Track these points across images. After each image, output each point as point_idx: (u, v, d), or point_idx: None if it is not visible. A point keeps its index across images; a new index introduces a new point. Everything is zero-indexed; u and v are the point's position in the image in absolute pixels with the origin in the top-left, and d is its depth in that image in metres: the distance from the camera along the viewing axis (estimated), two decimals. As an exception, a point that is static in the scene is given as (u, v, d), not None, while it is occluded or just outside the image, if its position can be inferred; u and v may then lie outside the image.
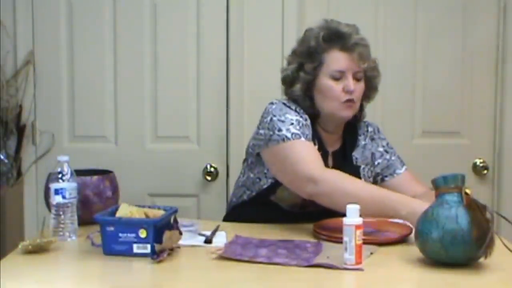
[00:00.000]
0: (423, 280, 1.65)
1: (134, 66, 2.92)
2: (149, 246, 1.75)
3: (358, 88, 2.13)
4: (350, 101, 2.11)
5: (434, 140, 2.95)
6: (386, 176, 2.26)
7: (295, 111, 2.12)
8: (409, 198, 1.97)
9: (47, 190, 2.06)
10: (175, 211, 1.90)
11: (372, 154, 2.27)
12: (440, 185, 1.70)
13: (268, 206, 2.15)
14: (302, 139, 2.05)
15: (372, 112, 2.91)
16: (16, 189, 2.88)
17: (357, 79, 2.12)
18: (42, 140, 2.93)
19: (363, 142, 2.27)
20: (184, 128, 2.93)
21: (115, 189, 2.18)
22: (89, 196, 2.10)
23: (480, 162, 2.94)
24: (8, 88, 2.85)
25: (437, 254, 1.65)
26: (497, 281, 1.61)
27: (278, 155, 2.06)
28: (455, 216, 1.63)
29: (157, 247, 1.73)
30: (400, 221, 2.06)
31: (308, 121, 2.12)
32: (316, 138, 2.15)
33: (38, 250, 1.80)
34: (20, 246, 1.80)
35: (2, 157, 2.83)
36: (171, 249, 1.76)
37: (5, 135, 2.85)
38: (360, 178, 2.18)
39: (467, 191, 1.68)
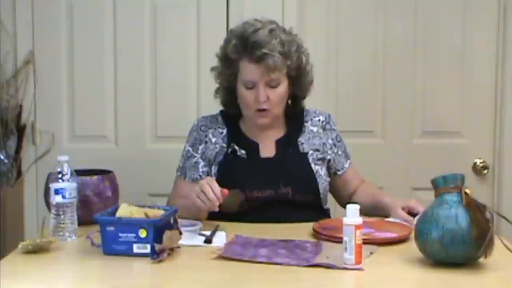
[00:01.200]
0: (423, 280, 1.65)
1: (134, 66, 2.92)
2: (149, 246, 1.75)
3: (273, 95, 2.15)
4: (262, 110, 2.16)
5: (434, 140, 2.95)
6: (338, 170, 2.32)
7: (196, 134, 2.28)
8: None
9: (47, 190, 2.06)
10: (175, 211, 1.90)
11: (323, 144, 2.29)
12: (440, 185, 1.70)
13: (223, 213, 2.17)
14: (178, 174, 2.31)
15: (372, 112, 2.93)
16: (16, 189, 2.88)
17: (272, 86, 2.15)
18: (42, 140, 2.93)
19: (310, 128, 2.29)
20: (184, 128, 2.91)
21: (115, 189, 2.18)
22: (89, 196, 2.10)
23: (480, 162, 2.94)
24: (8, 88, 2.85)
25: (437, 254, 1.65)
26: (497, 281, 1.61)
27: None
28: (455, 216, 1.63)
29: (157, 247, 1.73)
30: (400, 221, 2.07)
31: (205, 143, 2.26)
32: (239, 140, 2.24)
33: (38, 250, 1.80)
34: (20, 246, 1.80)
35: (2, 157, 2.83)
36: (171, 249, 1.76)
37: (5, 135, 2.85)
38: (308, 162, 2.22)
39: (467, 191, 1.68)
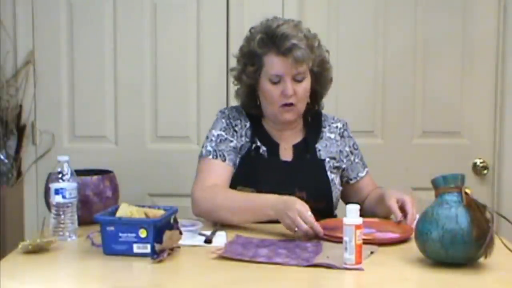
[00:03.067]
0: (423, 280, 1.65)
1: (134, 66, 2.92)
2: (149, 246, 1.75)
3: (300, 89, 2.14)
4: (288, 105, 2.14)
5: (434, 140, 2.95)
6: (351, 179, 2.30)
7: (227, 121, 2.22)
8: (269, 197, 2.02)
9: (47, 190, 2.06)
10: (175, 211, 1.90)
11: (340, 151, 2.28)
12: (440, 185, 1.70)
13: None
14: (210, 157, 2.17)
15: (372, 112, 2.94)
16: (16, 189, 2.88)
17: (297, 81, 2.13)
18: (42, 140, 2.93)
19: (328, 135, 2.28)
20: (184, 128, 2.93)
21: (115, 189, 2.18)
22: (89, 196, 2.10)
23: (480, 162, 2.94)
24: (8, 88, 2.85)
25: (437, 254, 1.65)
26: (497, 281, 1.61)
27: (196, 169, 2.23)
28: (455, 216, 1.63)
29: (157, 247, 1.73)
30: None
31: (235, 132, 2.20)
32: (262, 136, 2.21)
33: (38, 250, 1.80)
34: (20, 246, 1.80)
35: (2, 157, 2.83)
36: (171, 249, 1.76)
37: (5, 135, 2.85)
38: (324, 170, 2.21)
39: (467, 191, 1.68)
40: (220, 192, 2.10)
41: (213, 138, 2.21)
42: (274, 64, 2.12)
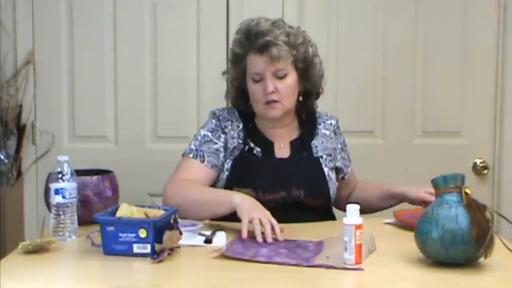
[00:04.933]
0: (423, 280, 1.65)
1: (134, 66, 2.92)
2: (149, 246, 1.75)
3: (281, 86, 2.13)
4: (271, 101, 2.14)
5: (434, 140, 2.95)
6: (345, 175, 2.34)
7: (216, 123, 2.22)
8: (232, 193, 2.03)
9: (47, 190, 2.06)
10: (175, 211, 1.90)
11: (334, 149, 2.29)
12: (440, 185, 1.70)
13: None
14: (191, 155, 2.19)
15: (372, 112, 2.93)
16: (16, 189, 2.88)
17: (279, 77, 2.13)
18: (42, 140, 2.93)
19: (323, 131, 2.29)
20: (184, 128, 2.93)
21: (115, 189, 2.18)
22: (89, 196, 2.10)
23: (480, 162, 2.94)
24: (8, 88, 2.85)
25: (437, 254, 1.65)
26: (497, 281, 1.61)
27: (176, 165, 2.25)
28: (455, 216, 1.63)
29: (157, 247, 1.73)
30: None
31: (225, 133, 2.20)
32: (255, 137, 2.21)
33: (38, 250, 1.80)
34: (20, 246, 1.80)
35: (2, 157, 2.83)
36: (171, 249, 1.76)
37: (5, 135, 2.85)
38: (321, 166, 2.22)
39: (467, 191, 1.68)
40: (189, 186, 2.11)
41: (199, 138, 2.22)
42: (253, 62, 2.14)
